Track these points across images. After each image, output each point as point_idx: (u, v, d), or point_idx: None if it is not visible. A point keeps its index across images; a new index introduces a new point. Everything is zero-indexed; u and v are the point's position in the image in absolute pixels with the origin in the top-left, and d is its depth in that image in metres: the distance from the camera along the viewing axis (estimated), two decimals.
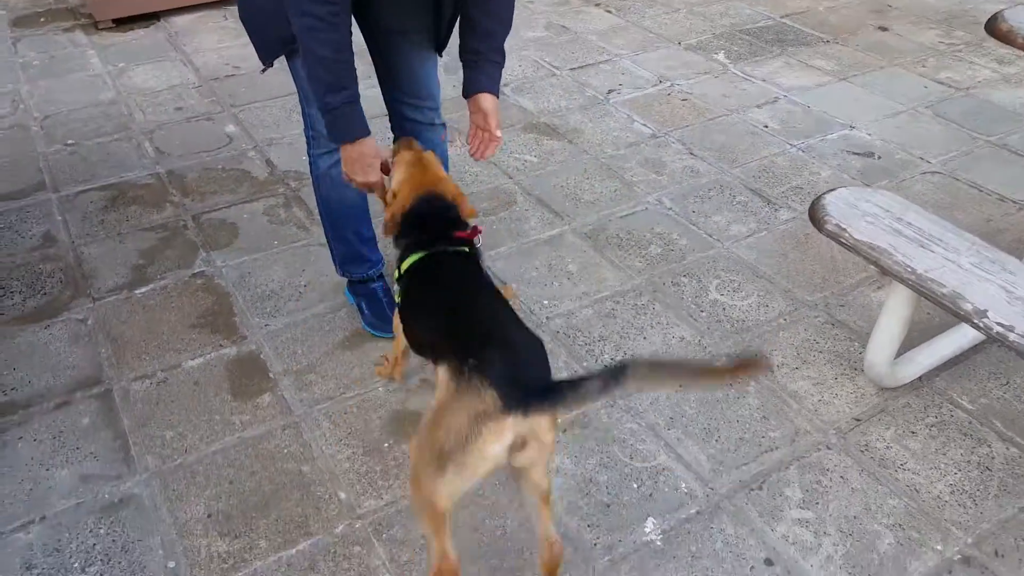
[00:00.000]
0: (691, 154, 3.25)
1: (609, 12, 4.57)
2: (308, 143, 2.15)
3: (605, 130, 3.42)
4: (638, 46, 4.16)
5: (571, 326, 2.41)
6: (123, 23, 4.30)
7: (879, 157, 3.27)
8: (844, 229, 1.91)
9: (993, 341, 1.67)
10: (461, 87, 1.95)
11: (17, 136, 3.31)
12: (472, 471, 1.34)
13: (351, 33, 1.74)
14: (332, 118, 1.77)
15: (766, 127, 3.45)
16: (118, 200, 2.93)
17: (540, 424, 1.35)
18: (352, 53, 1.73)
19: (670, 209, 2.93)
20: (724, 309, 2.49)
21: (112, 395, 2.15)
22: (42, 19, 4.41)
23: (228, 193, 2.97)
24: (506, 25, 1.91)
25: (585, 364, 2.27)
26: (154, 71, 3.85)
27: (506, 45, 1.89)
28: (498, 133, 1.93)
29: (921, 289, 1.78)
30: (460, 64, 1.95)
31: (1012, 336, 1.62)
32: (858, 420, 2.13)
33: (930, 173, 3.17)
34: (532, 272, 2.62)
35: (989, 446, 2.05)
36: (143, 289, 2.52)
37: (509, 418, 1.29)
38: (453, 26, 2.01)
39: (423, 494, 1.39)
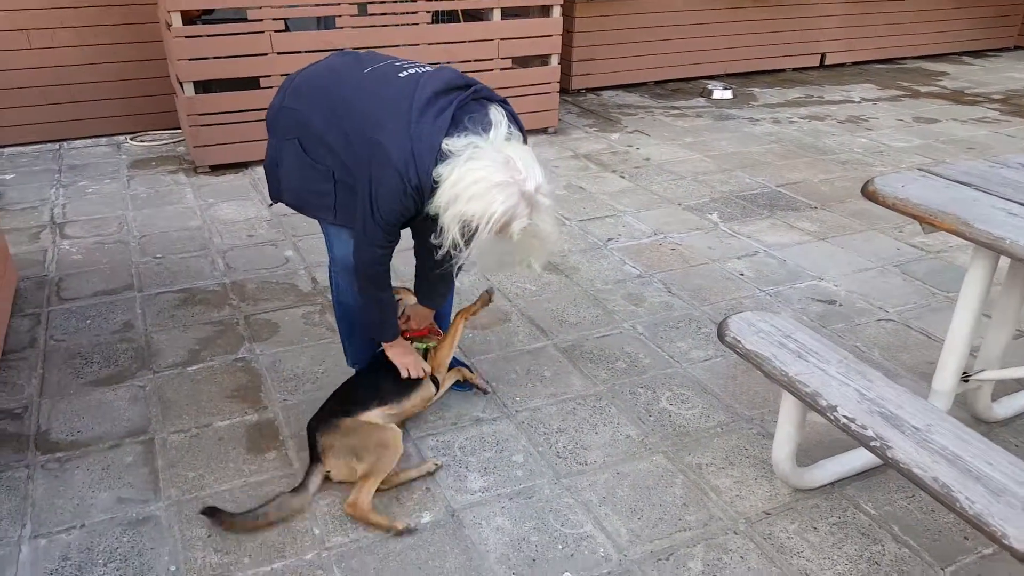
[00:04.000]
0: (669, 292, 3.65)
1: (623, 177, 5.12)
2: (331, 262, 2.64)
3: (598, 269, 3.86)
4: (642, 205, 4.66)
5: (535, 419, 2.76)
6: (217, 169, 5.06)
7: (840, 305, 3.59)
8: (739, 341, 2.26)
9: (841, 430, 1.97)
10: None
11: (118, 249, 3.95)
12: None
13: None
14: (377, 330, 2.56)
15: (741, 275, 3.84)
16: (188, 301, 3.47)
17: None
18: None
19: (641, 334, 3.30)
20: (670, 416, 2.80)
21: (153, 442, 2.58)
22: (154, 163, 5.21)
23: (276, 300, 3.49)
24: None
25: (540, 449, 2.61)
26: (236, 206, 4.52)
27: None
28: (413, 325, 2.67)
29: (791, 389, 2.10)
30: None
31: (853, 427, 1.93)
32: (767, 513, 2.38)
33: (885, 320, 3.47)
34: (511, 375, 2.99)
35: (882, 545, 2.26)
36: (194, 367, 2.99)
37: None
38: None
39: None
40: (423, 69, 2.23)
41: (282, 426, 2.68)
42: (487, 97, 2.20)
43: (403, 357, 2.55)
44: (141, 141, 5.61)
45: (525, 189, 1.97)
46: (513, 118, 2.18)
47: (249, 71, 4.90)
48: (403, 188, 2.08)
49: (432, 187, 2.05)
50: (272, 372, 2.97)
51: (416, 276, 2.63)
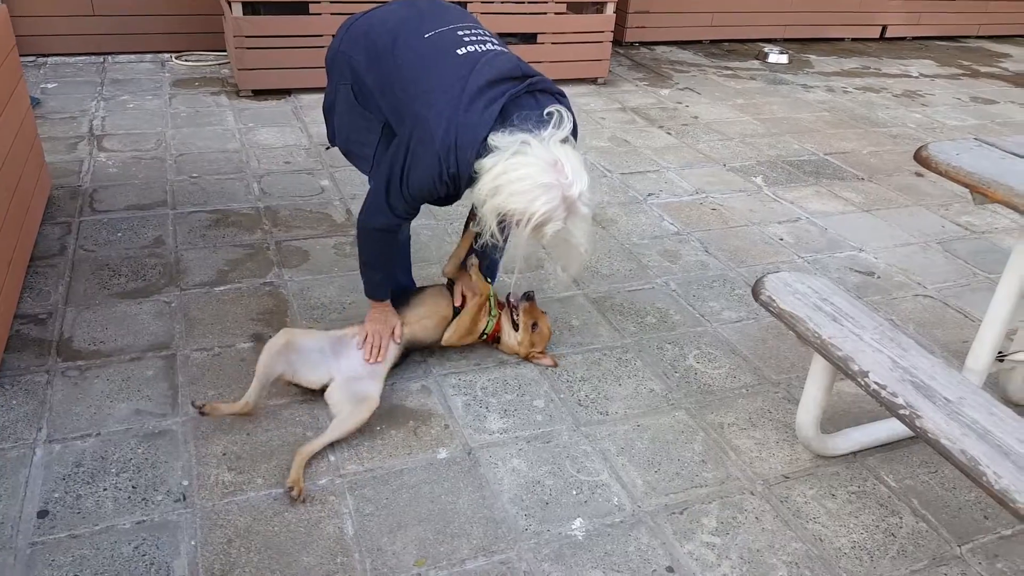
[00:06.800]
0: (706, 251, 3.55)
1: (669, 134, 4.98)
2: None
3: (636, 223, 3.76)
4: (686, 163, 4.53)
5: (559, 366, 2.70)
6: (260, 94, 5.00)
7: (878, 277, 3.48)
8: (773, 300, 2.18)
9: (871, 396, 1.89)
10: None
11: (154, 166, 3.93)
12: None
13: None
14: (370, 286, 2.46)
15: (781, 239, 3.73)
16: (220, 222, 3.44)
17: None
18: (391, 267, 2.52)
19: (674, 291, 3.22)
20: (696, 374, 2.74)
21: (175, 358, 2.57)
22: (197, 83, 5.17)
23: (309, 228, 3.45)
24: None
25: (562, 396, 2.56)
26: (275, 132, 4.46)
27: None
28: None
29: (823, 352, 2.02)
30: None
31: (884, 394, 1.85)
32: (786, 477, 2.32)
33: (922, 296, 3.35)
34: None
35: (900, 517, 2.20)
36: (222, 288, 2.97)
37: None
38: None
39: None
40: (484, 48, 2.13)
41: None
42: (544, 90, 2.11)
43: (379, 323, 2.45)
44: (186, 60, 5.56)
45: (568, 194, 1.93)
46: (568, 112, 2.10)
47: None
48: (439, 172, 2.04)
49: (470, 177, 2.01)
50: (299, 299, 2.94)
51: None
